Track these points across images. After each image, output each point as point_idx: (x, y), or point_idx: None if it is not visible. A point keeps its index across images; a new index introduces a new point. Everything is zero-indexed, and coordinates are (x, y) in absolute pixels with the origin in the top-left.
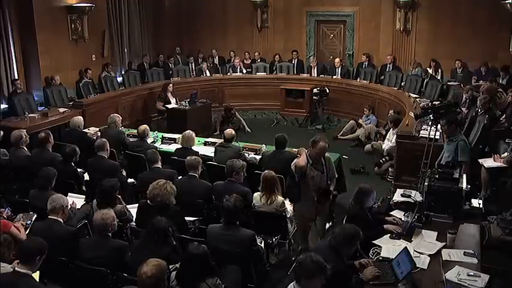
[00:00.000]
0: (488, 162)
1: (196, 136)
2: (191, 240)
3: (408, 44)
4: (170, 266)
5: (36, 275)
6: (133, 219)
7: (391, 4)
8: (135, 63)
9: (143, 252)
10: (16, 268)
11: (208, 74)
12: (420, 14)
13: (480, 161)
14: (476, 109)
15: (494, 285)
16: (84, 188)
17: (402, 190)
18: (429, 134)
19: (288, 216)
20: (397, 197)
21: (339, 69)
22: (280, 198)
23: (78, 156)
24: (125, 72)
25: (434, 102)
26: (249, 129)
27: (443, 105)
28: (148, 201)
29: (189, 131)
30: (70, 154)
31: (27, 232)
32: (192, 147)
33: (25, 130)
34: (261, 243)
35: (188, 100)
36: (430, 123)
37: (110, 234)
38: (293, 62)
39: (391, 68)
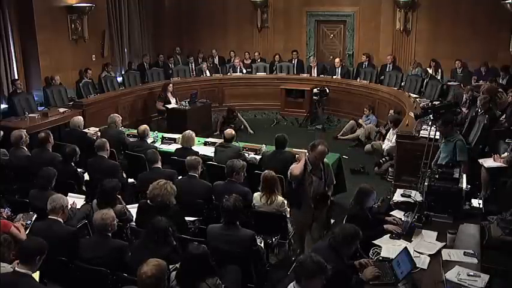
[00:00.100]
0: (488, 162)
1: (196, 136)
2: (191, 240)
3: (408, 44)
4: (170, 266)
5: (36, 275)
6: (133, 219)
7: (391, 4)
8: (135, 63)
9: (143, 252)
10: (16, 268)
11: (208, 74)
12: (420, 14)
13: (480, 161)
14: (476, 109)
15: (494, 285)
16: (84, 188)
17: (402, 190)
18: (429, 134)
19: (288, 216)
20: (397, 197)
21: (339, 69)
22: (280, 198)
23: (78, 156)
24: (125, 72)
25: (434, 102)
26: (251, 131)
27: (443, 105)
28: (148, 201)
29: (189, 131)
30: (70, 154)
31: (27, 232)
32: (192, 147)
33: (25, 130)
34: (261, 243)
35: (188, 100)
36: (430, 123)
37: (110, 234)
38: (293, 62)
39: (391, 68)
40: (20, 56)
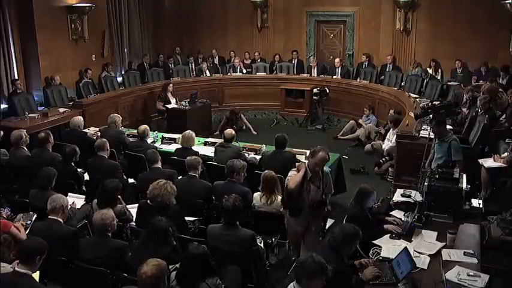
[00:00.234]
0: (488, 162)
1: (196, 136)
2: (191, 240)
3: (408, 44)
4: (170, 266)
5: (36, 275)
6: (133, 219)
7: (391, 4)
8: (135, 63)
9: (143, 252)
10: (16, 268)
11: (208, 74)
12: (420, 14)
13: (480, 161)
14: (476, 109)
15: (494, 285)
16: (84, 188)
17: (402, 190)
18: (429, 134)
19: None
20: (397, 197)
21: (339, 69)
22: (280, 198)
23: (78, 156)
24: (125, 72)
25: (434, 102)
26: (255, 132)
27: (443, 105)
28: (148, 201)
29: (189, 131)
30: (70, 154)
31: (27, 232)
32: (192, 147)
33: (25, 130)
34: (261, 243)
35: (188, 100)
36: (430, 123)
37: (110, 234)
38: (293, 62)
39: (391, 68)
40: (20, 56)
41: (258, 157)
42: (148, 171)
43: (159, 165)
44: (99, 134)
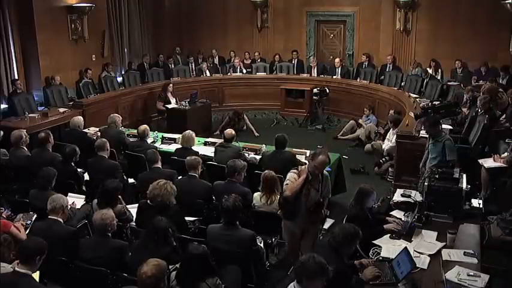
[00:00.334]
0: (488, 163)
1: (196, 136)
2: (191, 240)
3: (408, 44)
4: (170, 266)
5: (36, 275)
6: (134, 219)
7: (391, 4)
8: (135, 63)
9: (143, 252)
10: (16, 268)
11: (208, 74)
12: (420, 14)
13: (480, 161)
14: (476, 109)
15: (494, 285)
16: (84, 188)
17: (402, 190)
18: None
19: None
20: (397, 197)
21: (339, 69)
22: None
23: (78, 156)
24: (125, 72)
25: (434, 102)
26: (257, 134)
27: (443, 105)
28: (148, 201)
29: (189, 131)
30: (70, 154)
31: (27, 232)
32: (192, 147)
33: (25, 130)
34: (260, 243)
35: (188, 100)
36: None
37: (110, 234)
38: (293, 62)
39: (391, 68)
40: (20, 56)
41: (258, 157)
42: (148, 171)
43: (159, 165)
44: (99, 134)
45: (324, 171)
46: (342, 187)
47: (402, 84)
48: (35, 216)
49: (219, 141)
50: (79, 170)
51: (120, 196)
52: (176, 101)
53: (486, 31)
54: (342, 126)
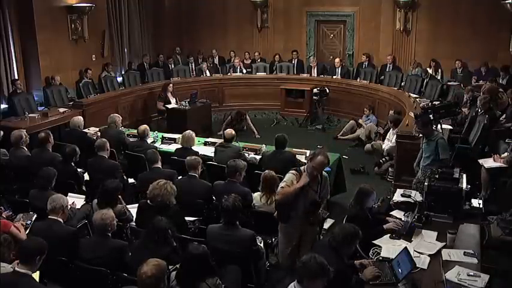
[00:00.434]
0: (488, 163)
1: (196, 136)
2: (191, 240)
3: (408, 44)
4: (170, 266)
5: (36, 275)
6: (134, 219)
7: (391, 4)
8: (135, 63)
9: (143, 252)
10: (16, 268)
11: (208, 74)
12: (420, 14)
13: (480, 161)
14: (476, 109)
15: (494, 285)
16: (84, 188)
17: (402, 190)
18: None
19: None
20: (397, 197)
21: (339, 69)
22: None
23: (78, 156)
24: (125, 72)
25: (434, 102)
26: (258, 135)
27: (443, 105)
28: (148, 201)
29: (189, 131)
30: (70, 154)
31: (27, 232)
32: (192, 147)
33: (25, 130)
34: (260, 243)
35: (188, 100)
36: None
37: (110, 234)
38: (293, 62)
39: (391, 68)
40: (20, 56)
41: (258, 157)
42: (148, 171)
43: (159, 165)
44: (99, 134)
45: (323, 172)
46: (342, 187)
47: (402, 84)
48: (35, 216)
49: (219, 141)
50: (79, 170)
51: (120, 196)
52: (176, 101)
53: (486, 31)
54: (342, 126)
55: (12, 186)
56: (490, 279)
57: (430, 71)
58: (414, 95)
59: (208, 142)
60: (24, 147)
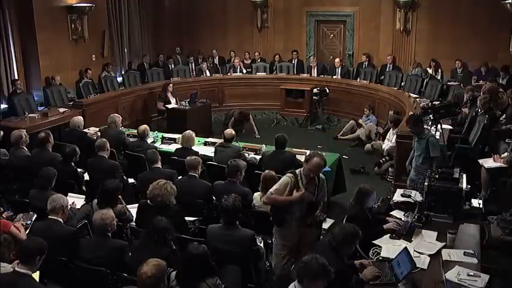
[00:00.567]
0: (488, 163)
1: (196, 136)
2: (191, 240)
3: (408, 44)
4: (169, 268)
5: (36, 275)
6: (134, 219)
7: (391, 4)
8: (135, 63)
9: (143, 252)
10: (16, 268)
11: (208, 74)
12: (420, 14)
13: (480, 161)
14: (476, 109)
15: (494, 285)
16: (84, 188)
17: (402, 190)
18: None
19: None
20: (397, 197)
21: (339, 69)
22: None
23: (78, 156)
24: (125, 72)
25: (434, 102)
26: (258, 136)
27: (443, 105)
28: (148, 201)
29: (189, 131)
30: (70, 154)
31: (27, 232)
32: (192, 147)
33: (25, 130)
34: (260, 243)
35: (188, 100)
36: (430, 123)
37: (110, 234)
38: (293, 62)
39: (391, 68)
40: (20, 56)
41: (258, 157)
42: (148, 171)
43: (159, 165)
44: (99, 134)
45: (321, 174)
46: (342, 187)
47: (402, 84)
48: (35, 216)
49: (219, 141)
50: (79, 170)
51: (120, 196)
52: (176, 101)
53: (486, 31)
54: (342, 126)
55: (12, 186)
56: (490, 279)
57: (430, 71)
58: (414, 95)
59: (208, 142)
60: (24, 147)
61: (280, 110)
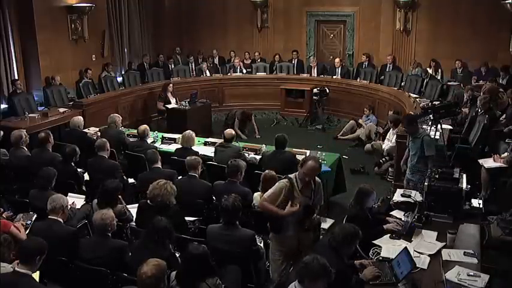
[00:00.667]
0: (488, 163)
1: (196, 136)
2: (191, 240)
3: (408, 44)
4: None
5: (36, 275)
6: (134, 219)
7: (391, 4)
8: (135, 63)
9: (143, 252)
10: (16, 268)
11: (208, 74)
12: (420, 14)
13: (480, 161)
14: (476, 109)
15: (494, 285)
16: (84, 188)
17: (402, 190)
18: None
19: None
20: (397, 197)
21: (339, 69)
22: None
23: (78, 156)
24: (125, 72)
25: (434, 102)
26: (258, 136)
27: (443, 105)
28: (148, 201)
29: (189, 131)
30: (70, 154)
31: (27, 232)
32: (192, 147)
33: (25, 130)
34: (260, 243)
35: (188, 100)
36: (430, 123)
37: (110, 234)
38: (293, 62)
39: (391, 68)
40: (20, 56)
41: (258, 157)
42: (148, 171)
43: (159, 165)
44: (99, 134)
45: (317, 177)
46: (342, 187)
47: (402, 84)
48: (35, 216)
49: (219, 141)
50: (79, 170)
51: (120, 196)
52: (176, 101)
53: (486, 31)
54: (342, 126)
55: (12, 186)
56: (490, 279)
57: (430, 71)
58: (414, 95)
59: (208, 142)
60: (24, 147)
61: (280, 110)
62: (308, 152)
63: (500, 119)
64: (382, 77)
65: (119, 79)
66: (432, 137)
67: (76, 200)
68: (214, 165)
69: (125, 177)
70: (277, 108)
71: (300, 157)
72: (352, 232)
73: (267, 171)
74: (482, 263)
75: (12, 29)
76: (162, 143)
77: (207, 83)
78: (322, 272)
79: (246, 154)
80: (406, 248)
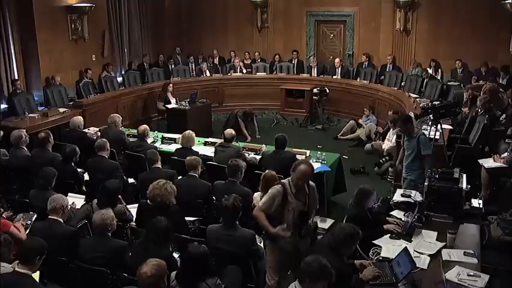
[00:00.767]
0: (488, 163)
1: (196, 136)
2: (191, 240)
3: (408, 44)
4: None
5: (36, 275)
6: (133, 219)
7: (391, 4)
8: (135, 63)
9: (143, 252)
10: (16, 268)
11: (208, 74)
12: (420, 14)
13: (480, 161)
14: (476, 109)
15: (494, 285)
16: (84, 188)
17: (402, 190)
18: (429, 134)
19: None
20: (397, 197)
21: (339, 69)
22: None
23: (78, 156)
24: (125, 72)
25: (434, 102)
26: (259, 135)
27: (443, 105)
28: (148, 201)
29: (189, 131)
30: (70, 154)
31: (27, 232)
32: (192, 147)
33: (25, 130)
34: (260, 243)
35: (188, 100)
36: (430, 123)
37: (110, 234)
38: (293, 62)
39: (391, 68)
40: (20, 56)
41: (258, 157)
42: (148, 171)
43: (159, 165)
44: (99, 134)
45: (311, 182)
46: (342, 187)
47: (402, 84)
48: (35, 216)
49: (219, 141)
50: (79, 170)
51: (120, 196)
52: (176, 101)
53: (486, 31)
54: (342, 126)
55: (12, 186)
56: (490, 279)
57: (430, 71)
58: (414, 95)
59: (208, 142)
60: (24, 147)
61: (280, 110)
62: (308, 152)
63: (500, 119)
64: (382, 77)
65: (119, 79)
66: (431, 136)
67: (76, 200)
68: (214, 165)
69: (124, 177)
70: (277, 108)
71: (300, 157)
72: (352, 232)
73: (267, 171)
74: (482, 263)
75: (12, 29)
76: (162, 143)
77: (207, 83)
78: (323, 272)
79: (246, 154)
80: (406, 248)
